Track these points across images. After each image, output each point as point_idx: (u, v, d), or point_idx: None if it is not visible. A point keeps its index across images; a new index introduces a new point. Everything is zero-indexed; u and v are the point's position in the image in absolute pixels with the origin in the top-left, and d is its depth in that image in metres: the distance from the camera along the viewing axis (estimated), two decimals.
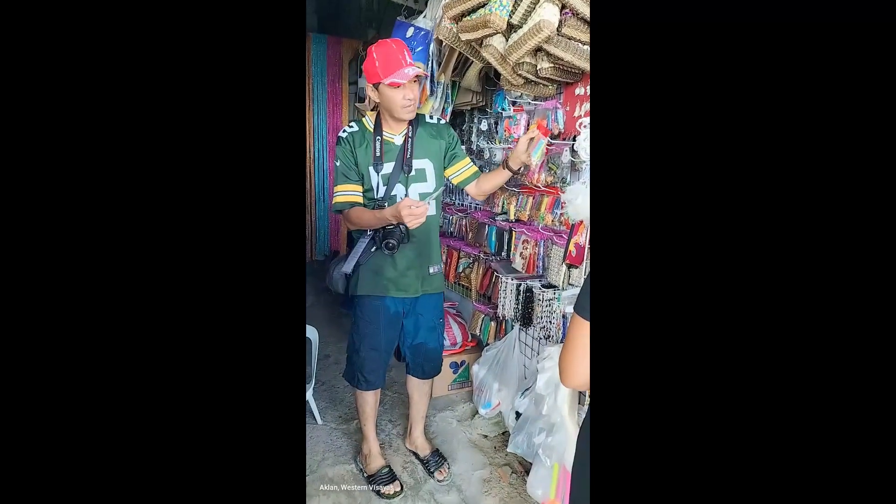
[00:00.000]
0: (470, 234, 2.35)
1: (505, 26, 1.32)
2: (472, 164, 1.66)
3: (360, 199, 1.52)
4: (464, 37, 1.44)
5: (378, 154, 1.49)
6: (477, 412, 2.11)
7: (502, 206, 2.05)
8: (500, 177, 1.64)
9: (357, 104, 2.93)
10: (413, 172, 1.51)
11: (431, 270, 1.61)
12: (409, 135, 1.51)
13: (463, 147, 1.68)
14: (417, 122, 1.54)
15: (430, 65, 2.07)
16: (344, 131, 1.55)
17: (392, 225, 1.43)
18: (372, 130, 1.52)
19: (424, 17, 2.23)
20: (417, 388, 1.79)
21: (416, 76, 1.40)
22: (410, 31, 2.20)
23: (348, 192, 1.52)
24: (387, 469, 1.71)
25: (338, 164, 1.54)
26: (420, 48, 2.11)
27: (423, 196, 1.54)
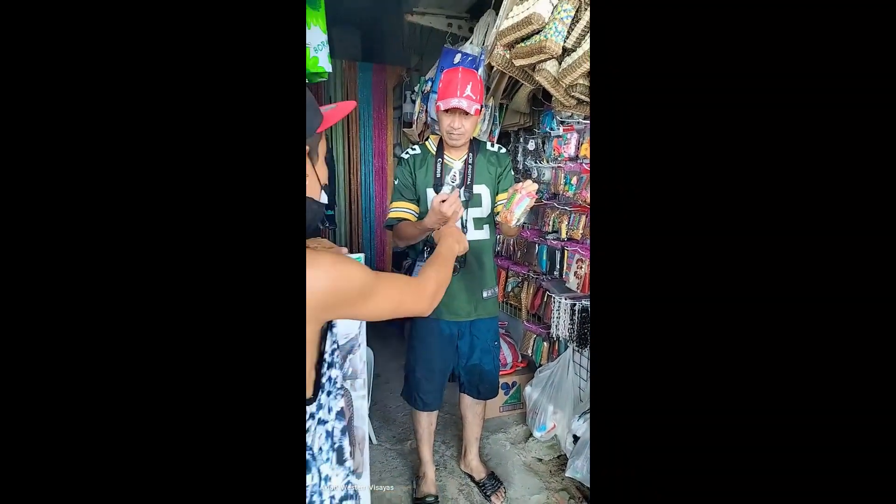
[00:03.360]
0: (518, 253, 2.35)
1: (560, 51, 1.35)
2: None
3: (412, 217, 1.57)
4: (517, 63, 1.47)
5: (438, 175, 1.54)
6: (531, 435, 2.07)
7: (553, 225, 2.05)
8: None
9: (405, 129, 3.02)
10: (472, 197, 1.54)
11: (485, 294, 1.62)
12: (469, 161, 1.54)
13: (512, 175, 1.66)
14: (478, 148, 1.57)
15: None
16: (406, 153, 1.61)
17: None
18: (434, 153, 1.57)
19: (471, 43, 2.29)
20: (471, 409, 1.78)
21: (463, 110, 1.41)
22: (458, 58, 2.26)
23: (401, 209, 1.57)
24: (433, 499, 1.70)
25: (396, 182, 1.60)
26: None
27: (477, 221, 1.56)
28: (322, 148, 0.71)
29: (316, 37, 1.77)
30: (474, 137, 1.60)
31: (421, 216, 1.56)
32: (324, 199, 0.71)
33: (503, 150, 1.62)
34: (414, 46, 3.49)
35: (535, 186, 1.32)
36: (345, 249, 1.25)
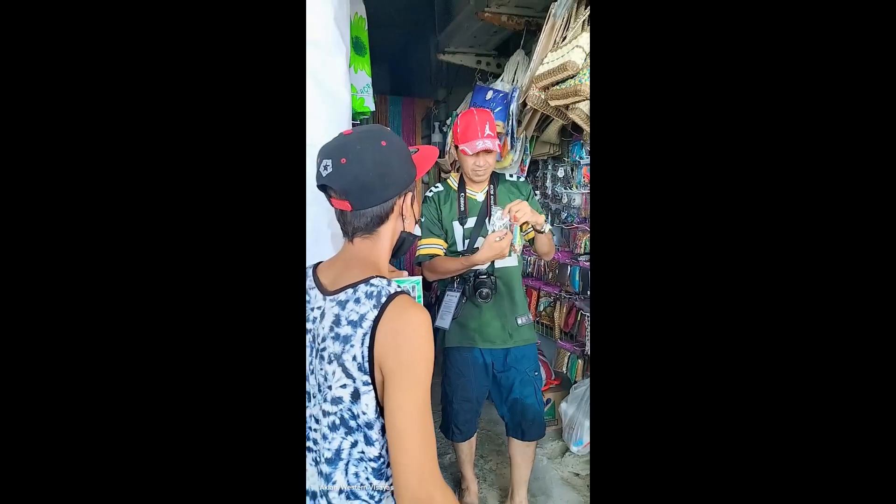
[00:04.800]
0: (550, 274, 2.46)
1: None
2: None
3: (442, 252, 1.65)
4: (553, 103, 1.62)
5: (463, 209, 1.64)
6: (567, 450, 2.15)
7: (585, 247, 2.17)
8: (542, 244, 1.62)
9: (437, 159, 3.18)
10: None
11: (520, 321, 1.64)
12: (491, 192, 1.65)
13: (538, 200, 1.74)
14: (498, 180, 1.67)
15: (509, 123, 2.28)
16: (430, 191, 1.71)
17: (484, 275, 1.55)
18: (456, 189, 1.67)
19: (502, 80, 2.47)
20: (520, 451, 1.71)
21: (487, 150, 1.52)
22: (490, 94, 2.44)
23: (431, 245, 1.65)
24: None
25: (423, 220, 1.67)
26: (499, 108, 2.34)
27: None
28: (417, 188, 0.84)
29: (361, 80, 1.96)
30: (494, 171, 1.69)
31: (450, 248, 1.65)
32: (417, 231, 0.84)
33: (522, 179, 1.71)
34: (442, 80, 3.71)
35: (518, 206, 1.36)
36: (405, 273, 1.37)
